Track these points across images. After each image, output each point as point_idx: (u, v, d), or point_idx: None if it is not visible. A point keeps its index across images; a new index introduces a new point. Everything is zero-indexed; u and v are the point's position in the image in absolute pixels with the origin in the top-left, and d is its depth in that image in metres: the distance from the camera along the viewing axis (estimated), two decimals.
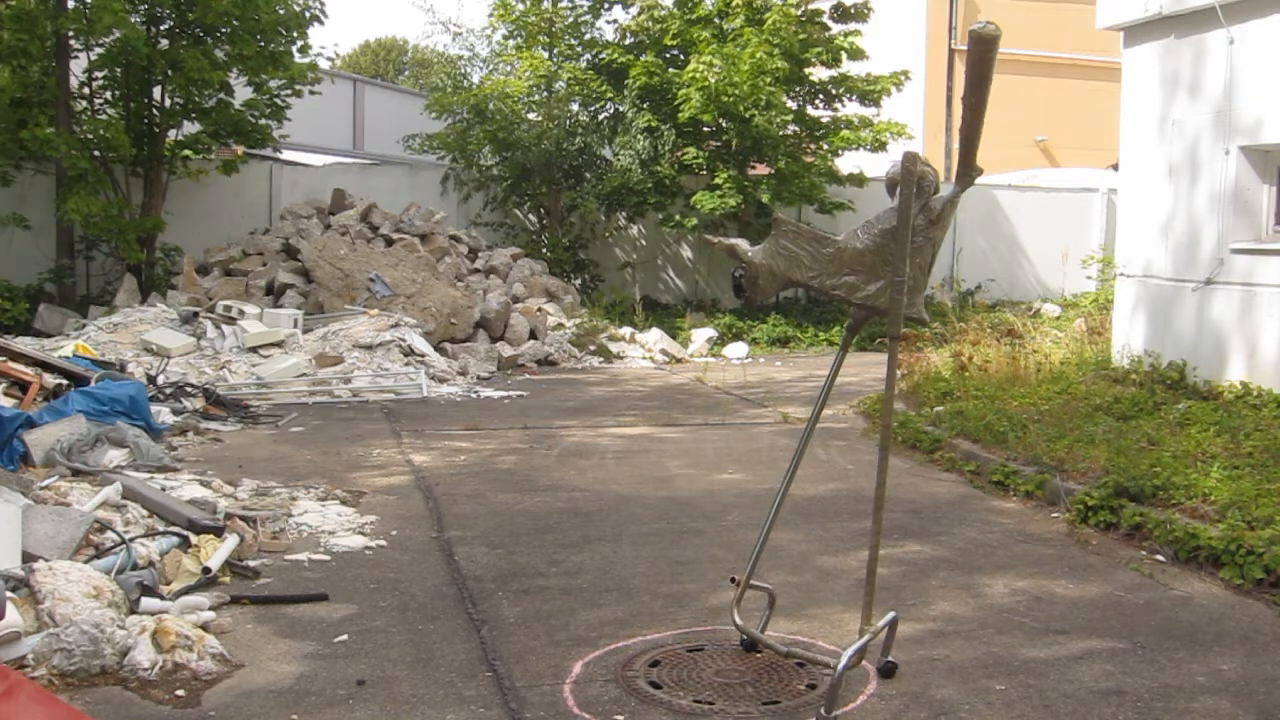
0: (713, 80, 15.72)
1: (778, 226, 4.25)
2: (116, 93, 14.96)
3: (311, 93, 15.85)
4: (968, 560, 5.88)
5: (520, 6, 17.96)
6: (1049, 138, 24.96)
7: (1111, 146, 15.29)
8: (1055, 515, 6.72)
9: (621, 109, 17.66)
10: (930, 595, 5.30)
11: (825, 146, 17.69)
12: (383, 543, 6.08)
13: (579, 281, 17.48)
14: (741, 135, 16.49)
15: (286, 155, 17.95)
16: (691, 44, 16.99)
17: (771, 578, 5.06)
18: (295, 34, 15.39)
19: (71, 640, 4.17)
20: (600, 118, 18.31)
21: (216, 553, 5.42)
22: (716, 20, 17.33)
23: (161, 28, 14.67)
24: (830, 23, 17.92)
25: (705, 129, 17.19)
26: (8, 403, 7.84)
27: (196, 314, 12.59)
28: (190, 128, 15.16)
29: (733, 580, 4.57)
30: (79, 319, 13.35)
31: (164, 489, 6.41)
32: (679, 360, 14.79)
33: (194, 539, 5.54)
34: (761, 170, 17.45)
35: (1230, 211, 9.42)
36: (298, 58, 15.47)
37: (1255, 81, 9.18)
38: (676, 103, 16.34)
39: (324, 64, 16.45)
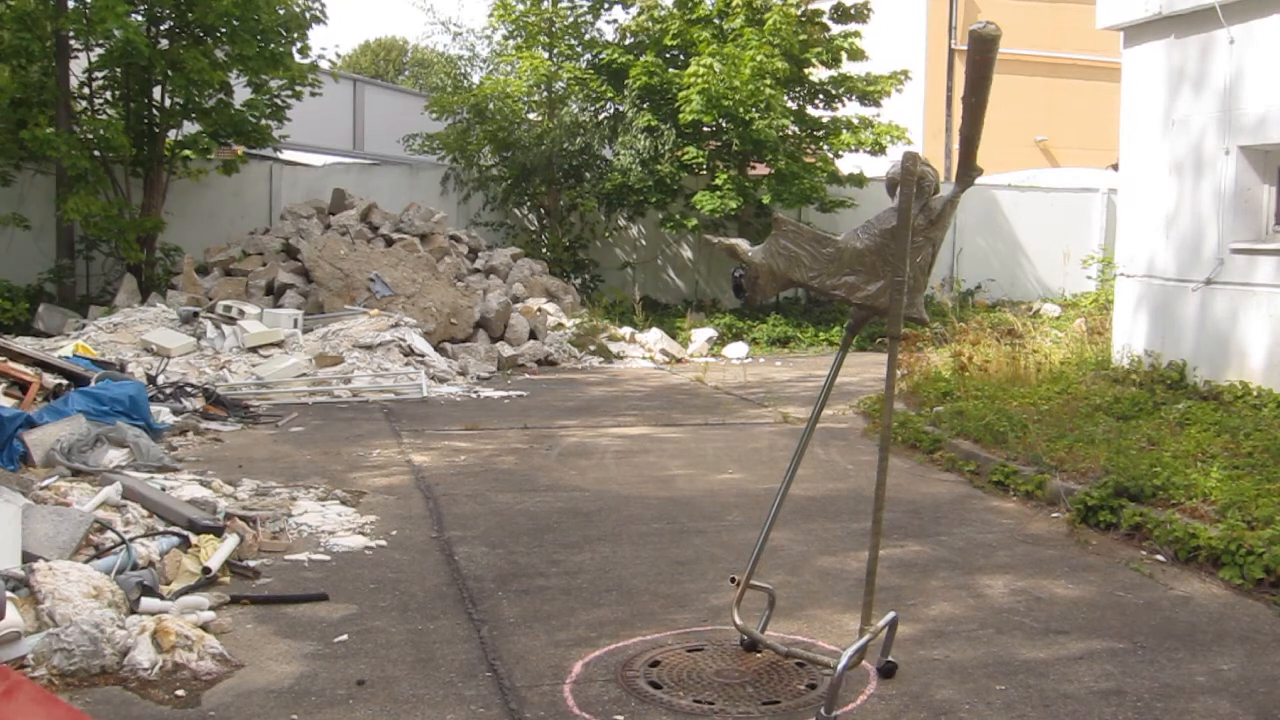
0: (713, 84, 15.73)
1: (778, 226, 4.25)
2: (116, 93, 14.96)
3: (312, 94, 15.85)
4: (968, 560, 5.88)
5: (520, 6, 17.94)
6: (1049, 138, 24.96)
7: (1111, 146, 15.29)
8: (1055, 515, 6.72)
9: (621, 109, 17.66)
10: (930, 595, 5.30)
11: (825, 148, 17.69)
12: (383, 543, 6.08)
13: (579, 281, 17.48)
14: (742, 138, 16.50)
15: (286, 155, 17.94)
16: (691, 44, 16.99)
17: (771, 578, 5.06)
18: (295, 35, 15.39)
19: (71, 640, 4.17)
20: (600, 118, 18.31)
21: (216, 553, 5.42)
22: (716, 20, 17.33)
23: (162, 28, 14.66)
24: (830, 23, 17.92)
25: (705, 129, 17.19)
26: (8, 403, 7.84)
27: (196, 314, 12.59)
28: (190, 128, 15.15)
29: (733, 580, 4.57)
30: (79, 319, 13.35)
31: (164, 489, 6.41)
32: (679, 360, 14.79)
33: (194, 539, 5.54)
34: (762, 170, 17.45)
35: (1231, 211, 9.42)
36: (298, 58, 15.47)
37: (1255, 81, 9.18)
38: (677, 104, 16.34)
39: (325, 66, 16.45)
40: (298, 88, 15.49)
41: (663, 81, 16.66)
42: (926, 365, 11.29)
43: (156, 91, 14.86)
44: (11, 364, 8.58)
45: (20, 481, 6.00)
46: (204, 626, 4.61)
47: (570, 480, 7.69)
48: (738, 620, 4.47)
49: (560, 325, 15.06)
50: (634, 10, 18.34)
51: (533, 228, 18.15)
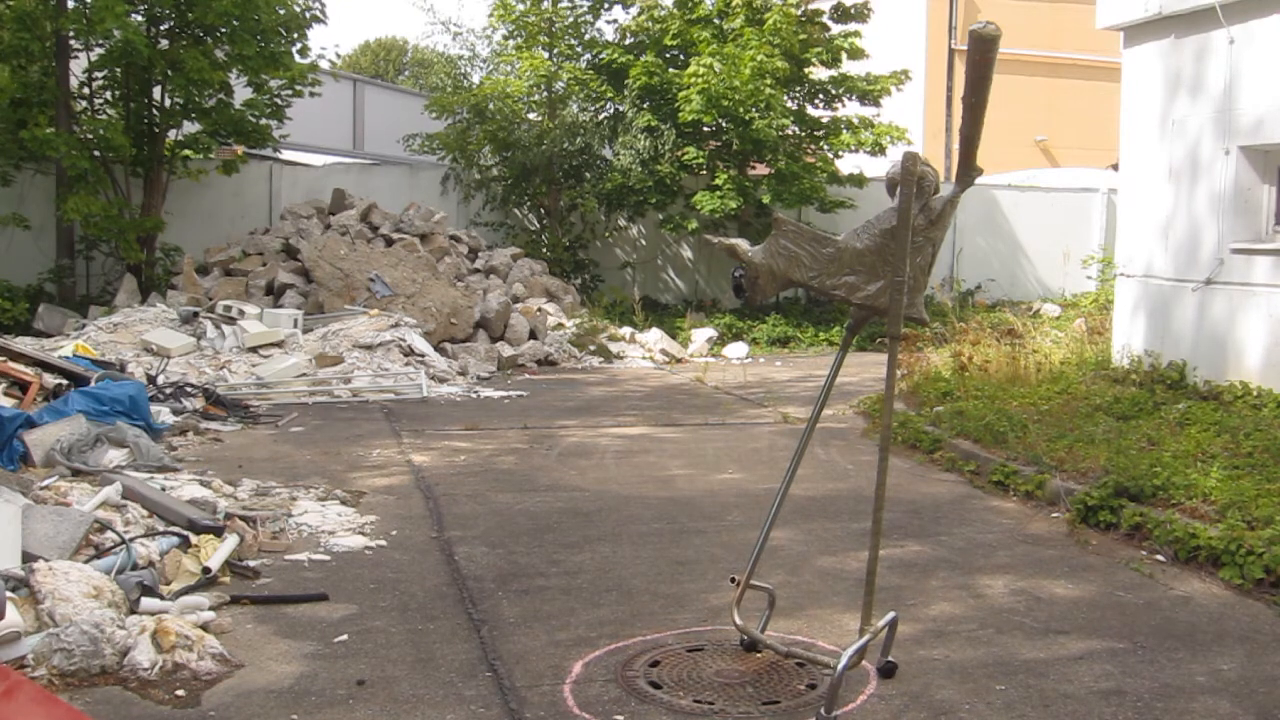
0: (713, 83, 15.73)
1: (778, 226, 4.25)
2: (116, 93, 14.97)
3: (312, 94, 15.86)
4: (968, 560, 5.88)
5: (520, 6, 17.95)
6: (1049, 138, 24.96)
7: (1111, 146, 15.30)
8: (1055, 515, 6.72)
9: (621, 109, 17.67)
10: (930, 595, 5.30)
11: (825, 148, 17.70)
12: (383, 543, 6.08)
13: (579, 281, 17.48)
14: (742, 138, 16.50)
15: (286, 155, 17.93)
16: (691, 44, 17.00)
17: (771, 578, 5.06)
18: (295, 35, 15.40)
19: (71, 640, 4.17)
20: (600, 118, 18.32)
21: (216, 553, 5.42)
22: (716, 20, 17.33)
23: (161, 28, 14.66)
24: (830, 23, 17.92)
25: (705, 129, 17.20)
26: (8, 403, 7.84)
27: (196, 314, 12.59)
28: (190, 128, 15.16)
29: (733, 580, 4.57)
30: (79, 319, 13.35)
31: (164, 489, 6.41)
32: (679, 360, 14.79)
33: (194, 539, 5.54)
34: (762, 170, 17.46)
35: (1230, 211, 9.42)
36: (298, 58, 15.48)
37: (1255, 81, 9.18)
38: (677, 104, 16.35)
39: (325, 66, 16.45)
40: (298, 87, 15.49)
41: (663, 81, 16.66)
42: (926, 365, 11.29)
43: (156, 91, 14.86)
44: (11, 364, 8.58)
45: (20, 481, 6.00)
46: (204, 626, 4.61)
47: (570, 480, 7.69)
48: (738, 620, 4.47)
49: (560, 325, 15.06)
50: (634, 10, 18.34)
51: (533, 228, 18.15)
